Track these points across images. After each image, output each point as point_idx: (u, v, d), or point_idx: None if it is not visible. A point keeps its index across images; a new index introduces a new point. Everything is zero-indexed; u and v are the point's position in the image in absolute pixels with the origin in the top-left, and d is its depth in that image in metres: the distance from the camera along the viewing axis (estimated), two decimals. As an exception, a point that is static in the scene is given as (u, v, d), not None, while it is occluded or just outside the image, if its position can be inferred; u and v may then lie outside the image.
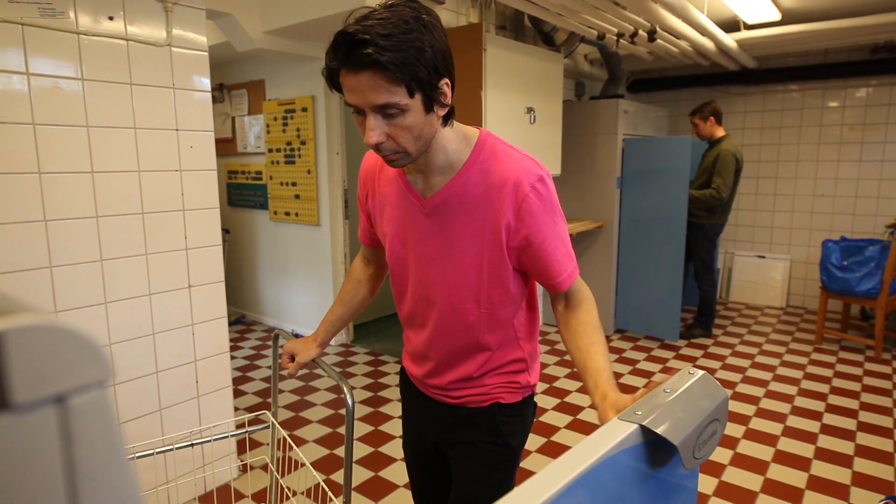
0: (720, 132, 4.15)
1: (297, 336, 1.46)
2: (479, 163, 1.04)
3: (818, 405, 3.18)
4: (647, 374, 3.64)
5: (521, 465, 2.58)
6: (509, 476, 1.24)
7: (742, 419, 3.01)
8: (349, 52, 0.86)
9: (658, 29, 3.63)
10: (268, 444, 2.70)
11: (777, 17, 3.94)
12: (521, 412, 1.22)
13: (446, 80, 0.94)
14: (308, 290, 4.32)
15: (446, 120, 1.00)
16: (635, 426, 0.68)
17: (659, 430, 0.67)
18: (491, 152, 1.05)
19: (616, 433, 0.66)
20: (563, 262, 1.06)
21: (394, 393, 3.37)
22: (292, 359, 1.37)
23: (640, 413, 0.70)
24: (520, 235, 1.03)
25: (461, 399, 1.21)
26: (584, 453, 0.61)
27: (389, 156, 0.97)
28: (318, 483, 1.80)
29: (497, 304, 1.11)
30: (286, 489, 2.31)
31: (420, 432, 1.34)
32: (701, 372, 0.81)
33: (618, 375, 3.62)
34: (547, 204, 1.02)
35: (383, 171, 1.16)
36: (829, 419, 3.00)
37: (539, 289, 1.44)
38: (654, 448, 0.70)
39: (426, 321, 1.18)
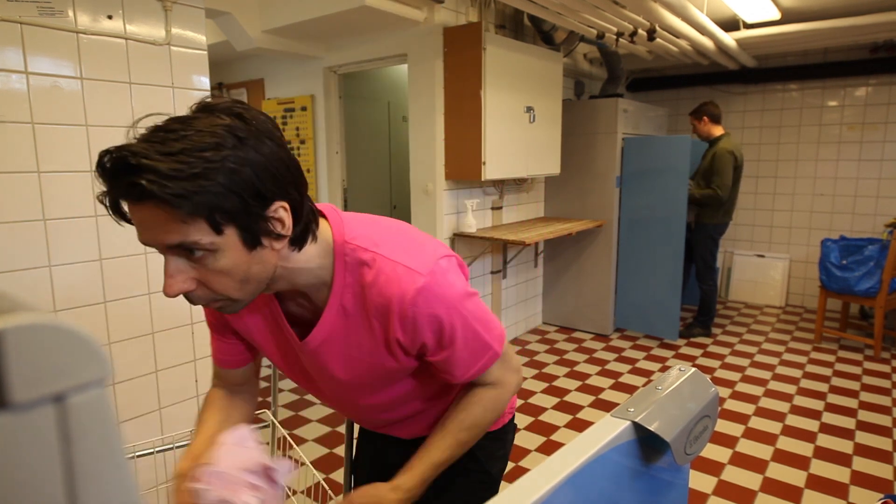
0: (718, 131, 4.16)
1: None
2: (347, 277, 0.84)
3: (817, 404, 3.18)
4: (647, 374, 3.64)
5: (520, 464, 2.58)
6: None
7: (741, 418, 3.01)
8: (115, 179, 0.64)
9: (658, 28, 3.63)
10: (267, 443, 2.70)
11: (777, 16, 3.94)
12: (500, 437, 1.14)
13: (281, 204, 0.72)
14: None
15: (301, 244, 0.79)
16: (627, 423, 0.68)
17: (651, 427, 0.68)
18: (354, 256, 0.83)
19: (608, 430, 0.66)
20: (470, 360, 0.90)
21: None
22: None
23: (632, 410, 0.70)
24: (413, 347, 0.87)
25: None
26: (577, 451, 0.62)
27: (209, 305, 0.76)
28: (318, 482, 1.80)
29: (441, 388, 1.01)
30: (286, 488, 2.31)
31: (394, 463, 1.09)
32: (692, 369, 0.81)
33: (617, 374, 3.63)
34: (435, 315, 0.83)
35: None
36: (829, 418, 3.01)
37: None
38: (646, 445, 0.71)
39: (361, 414, 1.07)
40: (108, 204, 0.68)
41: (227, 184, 0.65)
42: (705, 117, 4.16)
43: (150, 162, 0.61)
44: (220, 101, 0.70)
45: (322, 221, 0.85)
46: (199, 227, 0.66)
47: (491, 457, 1.12)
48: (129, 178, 0.62)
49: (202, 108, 0.69)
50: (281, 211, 0.72)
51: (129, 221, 0.70)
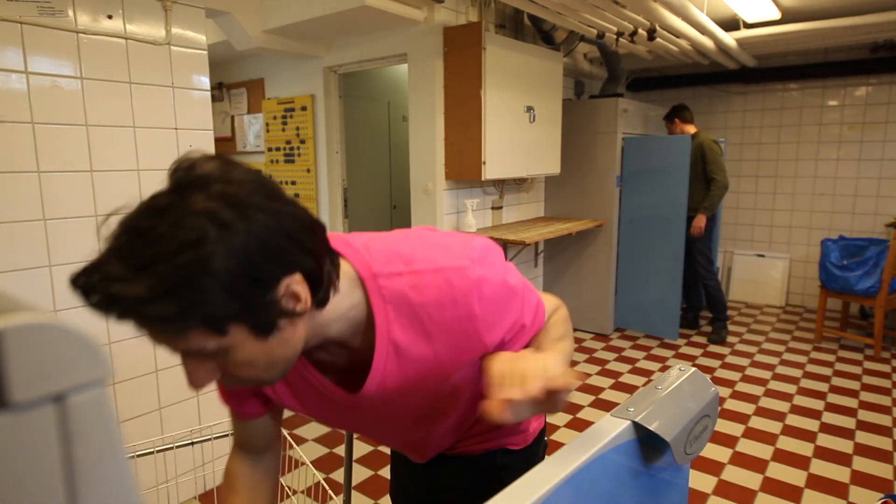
0: (691, 129, 4.22)
1: None
2: (394, 319, 0.75)
3: (817, 404, 3.18)
4: (647, 374, 3.64)
5: (521, 463, 2.58)
6: None
7: (741, 418, 3.01)
8: (97, 308, 0.54)
9: (658, 28, 3.63)
10: (267, 443, 2.69)
11: (777, 15, 3.94)
12: (530, 457, 1.06)
13: (293, 279, 0.62)
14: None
15: (324, 304, 0.69)
16: (627, 422, 0.68)
17: (651, 427, 0.68)
18: (389, 286, 0.74)
19: (608, 430, 0.66)
20: (535, 321, 0.86)
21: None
22: None
23: (632, 410, 0.70)
24: (494, 345, 0.80)
25: (456, 450, 1.04)
26: (577, 451, 0.62)
27: (243, 385, 0.74)
28: (319, 481, 1.80)
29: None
30: (286, 488, 2.31)
31: (405, 486, 1.15)
32: (692, 369, 0.81)
33: (617, 374, 3.63)
34: (499, 300, 0.77)
35: None
36: (829, 418, 3.01)
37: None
38: (646, 445, 0.71)
39: (414, 447, 1.03)
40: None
41: (215, 287, 0.55)
42: (677, 119, 4.25)
43: (122, 286, 0.52)
44: (197, 175, 0.58)
45: (343, 262, 0.74)
46: (199, 335, 0.58)
47: (515, 476, 1.07)
48: (104, 307, 0.53)
49: (175, 189, 0.58)
50: (294, 286, 0.62)
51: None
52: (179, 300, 0.53)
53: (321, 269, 0.66)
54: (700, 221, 4.09)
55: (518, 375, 0.65)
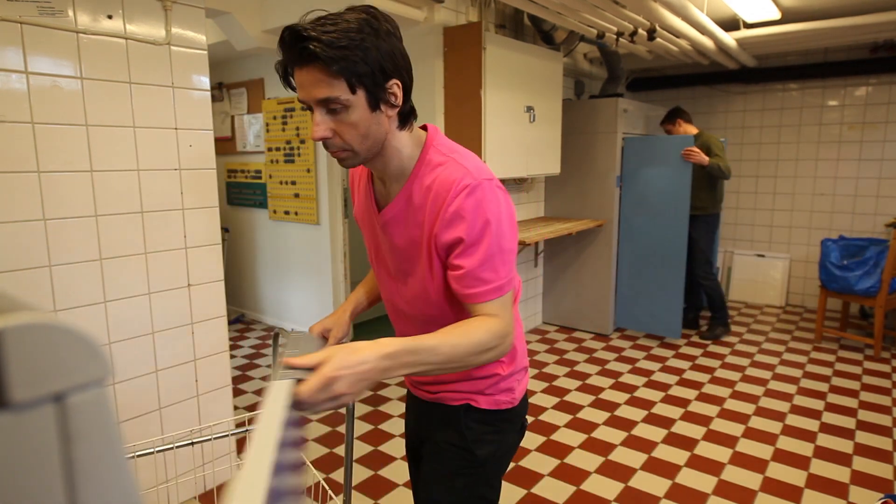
0: (693, 130, 4.21)
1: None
2: (422, 170, 1.02)
3: (817, 404, 3.18)
4: (647, 373, 3.64)
5: (520, 464, 2.58)
6: (471, 484, 1.15)
7: (741, 418, 3.01)
8: (292, 47, 0.90)
9: (658, 28, 3.63)
10: (267, 443, 2.69)
11: (777, 15, 3.94)
12: (493, 422, 1.16)
13: (396, 82, 0.95)
14: (307, 289, 4.32)
15: (403, 123, 1.01)
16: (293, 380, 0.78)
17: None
18: (433, 156, 1.03)
19: (283, 390, 0.75)
20: (477, 280, 0.96)
21: (393, 392, 3.37)
22: (323, 338, 1.25)
23: (290, 370, 0.80)
24: (442, 244, 0.99)
25: (435, 395, 1.20)
26: (273, 419, 0.69)
27: (338, 153, 0.98)
28: (318, 482, 1.80)
29: (463, 314, 1.05)
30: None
31: (410, 428, 1.35)
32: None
33: (617, 374, 3.63)
34: (473, 213, 0.95)
35: (360, 177, 1.17)
36: (829, 418, 3.01)
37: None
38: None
39: (402, 325, 1.20)
40: (281, 73, 0.95)
41: (362, 57, 0.89)
42: (679, 119, 4.23)
43: (316, 34, 0.87)
44: (361, 5, 0.95)
45: (421, 131, 1.07)
46: (341, 86, 0.90)
47: (479, 438, 1.15)
48: (302, 43, 0.88)
49: (349, 9, 0.93)
50: (395, 87, 0.95)
51: (292, 88, 0.94)
52: (343, 53, 0.88)
53: (409, 94, 1.00)
54: (701, 157, 3.93)
55: (327, 364, 0.80)
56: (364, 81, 0.91)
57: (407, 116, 1.01)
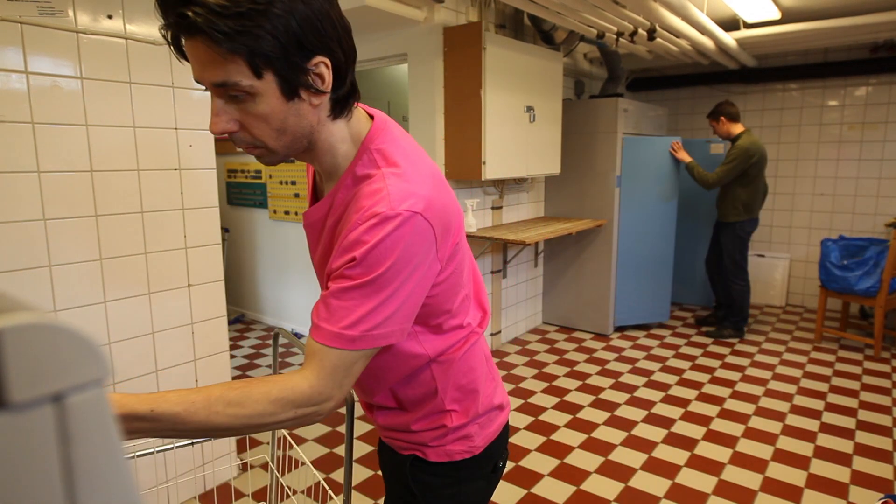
0: (737, 129, 4.08)
1: (297, 335, 1.44)
2: (348, 179, 0.83)
3: (817, 404, 3.18)
4: (647, 373, 3.64)
5: (520, 464, 2.58)
6: None
7: (741, 418, 3.01)
8: (167, 10, 0.67)
9: (658, 28, 3.63)
10: (267, 443, 2.70)
11: (777, 15, 3.94)
12: (447, 474, 0.97)
13: (323, 60, 0.73)
14: (307, 289, 4.32)
15: (338, 111, 0.80)
16: None
17: None
18: (365, 163, 0.82)
19: None
20: (329, 307, 0.77)
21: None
22: None
23: None
24: (332, 271, 0.79)
25: (386, 437, 1.03)
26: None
27: (249, 150, 0.79)
28: (319, 481, 1.80)
29: (401, 355, 0.90)
30: (286, 488, 2.31)
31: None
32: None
33: (617, 374, 3.63)
34: (370, 248, 0.74)
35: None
36: (829, 418, 3.01)
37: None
38: None
39: None
40: (169, 40, 0.71)
41: (269, 28, 0.66)
42: (723, 117, 4.10)
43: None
44: None
45: (365, 121, 0.86)
46: (240, 69, 0.69)
47: (433, 493, 0.98)
48: (179, 8, 0.65)
49: None
50: (322, 67, 0.73)
51: (186, 59, 0.73)
52: (238, 24, 0.65)
53: (346, 73, 0.77)
54: (680, 155, 4.16)
55: None
56: (273, 62, 0.69)
57: (343, 102, 0.79)
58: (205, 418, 0.70)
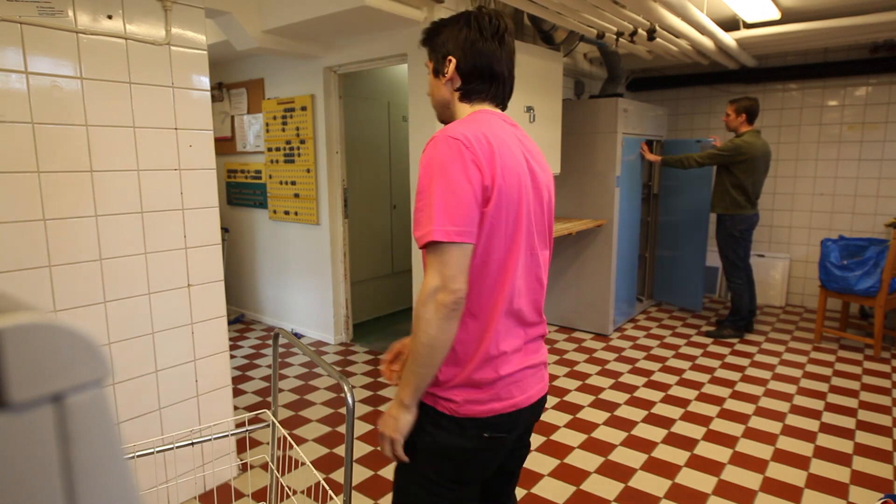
0: (745, 129, 4.07)
1: (297, 336, 1.44)
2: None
3: (817, 404, 3.18)
4: (647, 373, 3.64)
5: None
6: (405, 468, 1.21)
7: (741, 418, 3.01)
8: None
9: (657, 28, 3.63)
10: (268, 443, 2.70)
11: (777, 15, 3.94)
12: (431, 415, 1.17)
13: (450, 58, 1.19)
14: (307, 289, 4.32)
15: (464, 97, 1.22)
16: None
17: None
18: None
19: None
20: (416, 219, 1.08)
21: (393, 392, 3.36)
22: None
23: None
24: None
25: None
26: None
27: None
28: (319, 482, 1.80)
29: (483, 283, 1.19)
30: (286, 488, 2.31)
31: None
32: None
33: (617, 374, 3.63)
34: (427, 161, 1.08)
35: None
36: (829, 418, 3.01)
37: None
38: None
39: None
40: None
41: (436, 38, 1.23)
42: (744, 114, 4.04)
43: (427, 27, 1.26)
44: (484, 8, 1.25)
45: (478, 107, 1.24)
46: (428, 55, 1.26)
47: (418, 426, 1.17)
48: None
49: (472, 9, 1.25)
50: (447, 63, 1.20)
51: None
52: (430, 33, 1.25)
53: (471, 74, 1.21)
54: (650, 156, 4.39)
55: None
56: (432, 55, 1.24)
57: (466, 91, 1.22)
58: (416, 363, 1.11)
